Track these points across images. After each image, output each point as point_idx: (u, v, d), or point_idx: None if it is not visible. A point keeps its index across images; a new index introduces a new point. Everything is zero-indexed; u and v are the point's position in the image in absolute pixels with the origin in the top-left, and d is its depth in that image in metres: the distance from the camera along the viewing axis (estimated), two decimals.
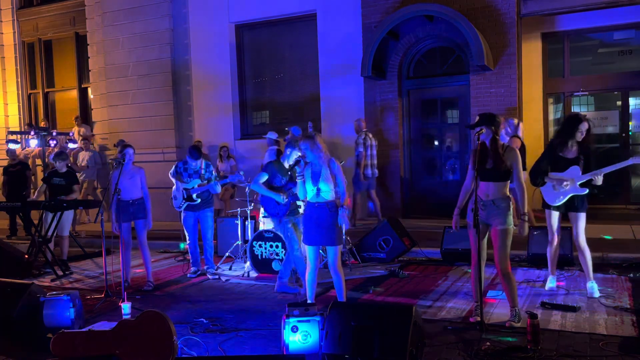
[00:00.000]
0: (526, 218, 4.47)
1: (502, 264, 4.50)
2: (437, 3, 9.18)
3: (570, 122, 5.26)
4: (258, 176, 5.77)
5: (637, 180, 10.41)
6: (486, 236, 4.66)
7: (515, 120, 8.23)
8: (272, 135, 9.60)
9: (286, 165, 5.81)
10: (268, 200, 5.76)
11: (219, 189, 6.85)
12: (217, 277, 6.80)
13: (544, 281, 5.78)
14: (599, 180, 5.08)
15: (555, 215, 5.39)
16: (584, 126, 5.18)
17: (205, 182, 6.76)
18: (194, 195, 6.70)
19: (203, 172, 6.78)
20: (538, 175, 5.36)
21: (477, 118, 4.63)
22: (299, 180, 4.81)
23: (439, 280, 6.17)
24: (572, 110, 10.58)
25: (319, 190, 4.74)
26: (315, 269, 4.90)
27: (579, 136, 5.18)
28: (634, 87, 10.20)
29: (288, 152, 5.81)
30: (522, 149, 7.99)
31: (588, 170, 5.14)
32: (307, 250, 4.92)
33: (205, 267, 6.99)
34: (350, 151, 10.50)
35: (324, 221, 4.74)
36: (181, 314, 5.18)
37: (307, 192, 4.81)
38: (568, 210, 5.31)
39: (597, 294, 5.23)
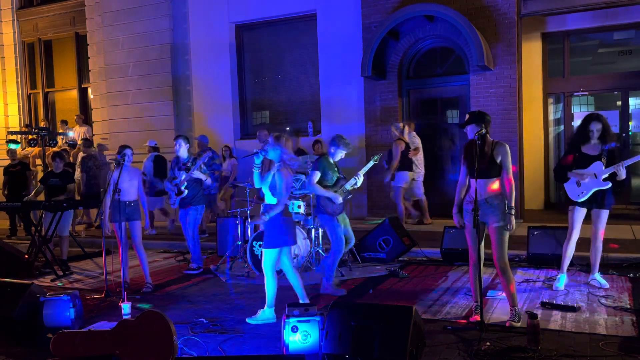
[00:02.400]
0: (513, 212, 4.47)
1: (500, 261, 4.51)
2: (437, 3, 9.18)
3: (582, 123, 5.37)
4: (311, 175, 5.69)
5: (637, 180, 10.41)
6: (484, 235, 4.67)
7: (402, 124, 9.09)
8: (151, 142, 10.26)
9: (331, 161, 5.80)
10: (323, 199, 5.71)
11: (201, 175, 6.92)
12: (201, 271, 6.96)
13: (544, 281, 5.78)
14: (621, 173, 5.17)
15: (579, 212, 5.40)
16: (595, 125, 5.24)
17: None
18: (182, 187, 6.82)
19: (190, 164, 6.92)
20: (560, 172, 5.45)
21: (467, 116, 4.65)
22: (255, 171, 4.94)
23: (439, 280, 6.17)
24: (572, 111, 10.60)
25: (261, 191, 4.93)
26: (271, 270, 4.96)
27: (593, 135, 5.25)
28: (634, 87, 10.20)
29: (332, 150, 5.81)
30: (406, 150, 8.85)
31: (611, 166, 5.22)
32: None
33: (192, 264, 7.11)
34: (349, 152, 10.51)
35: (265, 224, 4.88)
36: (181, 314, 5.18)
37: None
38: (593, 207, 5.36)
39: (606, 284, 5.46)
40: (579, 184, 5.32)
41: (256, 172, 4.94)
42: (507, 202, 4.48)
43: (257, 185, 5.01)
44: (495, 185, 4.51)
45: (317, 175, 5.70)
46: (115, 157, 6.25)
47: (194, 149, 10.17)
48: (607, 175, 5.23)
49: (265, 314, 4.87)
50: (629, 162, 5.19)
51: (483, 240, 4.68)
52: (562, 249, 5.58)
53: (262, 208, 5.02)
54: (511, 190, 4.48)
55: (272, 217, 4.81)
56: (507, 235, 4.52)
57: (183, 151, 7.02)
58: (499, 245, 4.50)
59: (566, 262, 5.56)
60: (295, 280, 5.01)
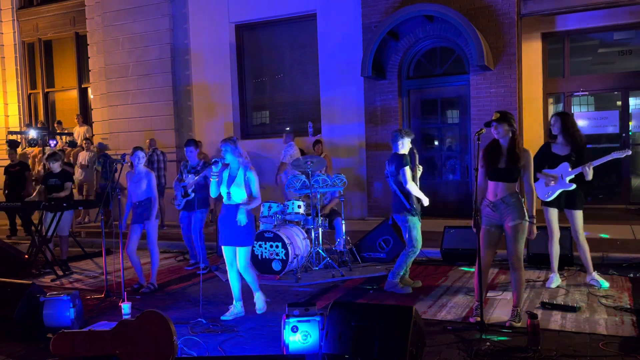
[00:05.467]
0: (534, 220, 4.43)
1: (513, 258, 4.45)
2: (437, 3, 9.18)
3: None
4: (404, 175, 5.55)
5: (637, 180, 10.41)
6: (499, 237, 4.58)
7: (237, 138, 9.49)
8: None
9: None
10: (409, 196, 5.65)
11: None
12: (205, 271, 6.99)
13: (544, 281, 5.78)
14: (588, 174, 5.18)
15: (550, 212, 5.50)
16: (552, 120, 5.41)
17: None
18: (189, 190, 6.90)
19: (199, 168, 6.97)
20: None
21: (499, 115, 4.49)
22: (213, 179, 4.97)
23: (439, 280, 6.16)
24: (572, 111, 10.60)
25: (229, 194, 4.98)
26: (232, 267, 5.09)
27: (554, 130, 5.39)
28: (634, 87, 10.20)
29: (400, 144, 5.70)
30: None
31: (578, 167, 5.25)
32: (223, 251, 5.12)
33: (200, 264, 7.20)
34: (349, 152, 10.52)
35: (233, 222, 4.95)
36: (181, 314, 5.18)
37: (222, 193, 5.03)
38: (564, 207, 5.41)
39: (605, 284, 5.45)
40: (547, 184, 5.38)
41: (214, 180, 4.98)
42: (526, 209, 4.43)
43: (215, 194, 5.05)
44: (513, 187, 4.47)
45: (409, 171, 5.58)
46: (118, 157, 6.28)
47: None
48: (572, 176, 5.25)
49: (260, 300, 5.15)
50: (597, 162, 5.19)
51: (494, 242, 4.60)
52: (549, 251, 5.65)
53: (237, 208, 4.98)
54: (532, 198, 4.45)
55: (248, 216, 4.98)
56: (524, 234, 4.44)
57: (193, 156, 7.09)
58: (515, 242, 4.42)
59: (553, 262, 5.63)
60: (238, 280, 5.15)
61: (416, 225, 5.68)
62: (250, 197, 4.97)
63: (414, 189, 5.62)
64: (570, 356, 3.79)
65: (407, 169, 5.57)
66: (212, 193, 5.05)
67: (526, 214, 4.42)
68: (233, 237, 4.98)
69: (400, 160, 5.63)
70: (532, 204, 4.46)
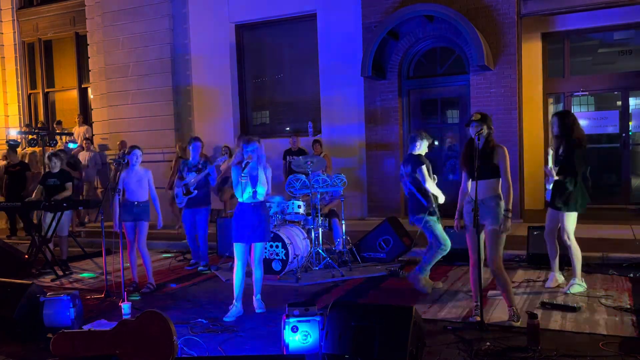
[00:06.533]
0: (509, 215, 4.47)
1: (494, 263, 4.52)
2: (437, 3, 9.18)
3: None
4: (421, 172, 5.55)
5: (637, 180, 10.41)
6: (482, 236, 4.66)
7: (179, 144, 10.28)
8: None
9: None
10: (427, 195, 5.63)
11: (213, 173, 7.09)
12: (207, 269, 7.10)
13: (544, 281, 5.78)
14: (551, 173, 5.26)
15: (549, 212, 5.55)
16: (552, 120, 5.48)
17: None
18: (192, 188, 6.95)
19: (200, 166, 7.05)
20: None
21: (479, 116, 4.57)
22: (242, 181, 5.01)
23: (439, 280, 6.16)
24: (572, 111, 10.59)
25: (255, 192, 5.07)
26: (244, 266, 5.14)
27: (554, 131, 5.44)
28: (634, 87, 10.20)
29: (418, 145, 5.74)
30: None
31: (564, 167, 5.25)
32: (236, 248, 5.14)
33: (201, 262, 7.26)
34: (349, 152, 10.51)
35: (257, 220, 5.08)
36: (181, 314, 5.18)
37: (245, 193, 5.08)
38: (558, 207, 5.37)
39: (570, 290, 5.31)
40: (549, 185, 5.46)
41: (243, 182, 5.01)
42: (503, 204, 4.48)
43: (239, 196, 5.10)
44: (494, 186, 4.50)
45: (426, 170, 5.57)
46: (116, 157, 6.28)
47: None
48: (555, 176, 5.26)
49: (260, 300, 5.23)
50: (549, 159, 5.20)
51: (482, 240, 4.68)
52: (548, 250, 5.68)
53: (261, 206, 5.17)
54: (508, 193, 4.49)
55: (267, 210, 5.17)
56: (502, 238, 4.51)
57: (198, 153, 7.18)
58: (493, 247, 4.50)
59: (553, 262, 5.63)
60: (243, 281, 5.19)
61: (437, 224, 5.68)
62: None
63: (432, 187, 5.62)
64: (570, 356, 3.79)
65: (424, 168, 5.59)
66: (239, 195, 5.10)
67: (502, 212, 4.46)
68: (254, 234, 5.09)
69: (417, 160, 5.65)
70: (508, 199, 4.48)
